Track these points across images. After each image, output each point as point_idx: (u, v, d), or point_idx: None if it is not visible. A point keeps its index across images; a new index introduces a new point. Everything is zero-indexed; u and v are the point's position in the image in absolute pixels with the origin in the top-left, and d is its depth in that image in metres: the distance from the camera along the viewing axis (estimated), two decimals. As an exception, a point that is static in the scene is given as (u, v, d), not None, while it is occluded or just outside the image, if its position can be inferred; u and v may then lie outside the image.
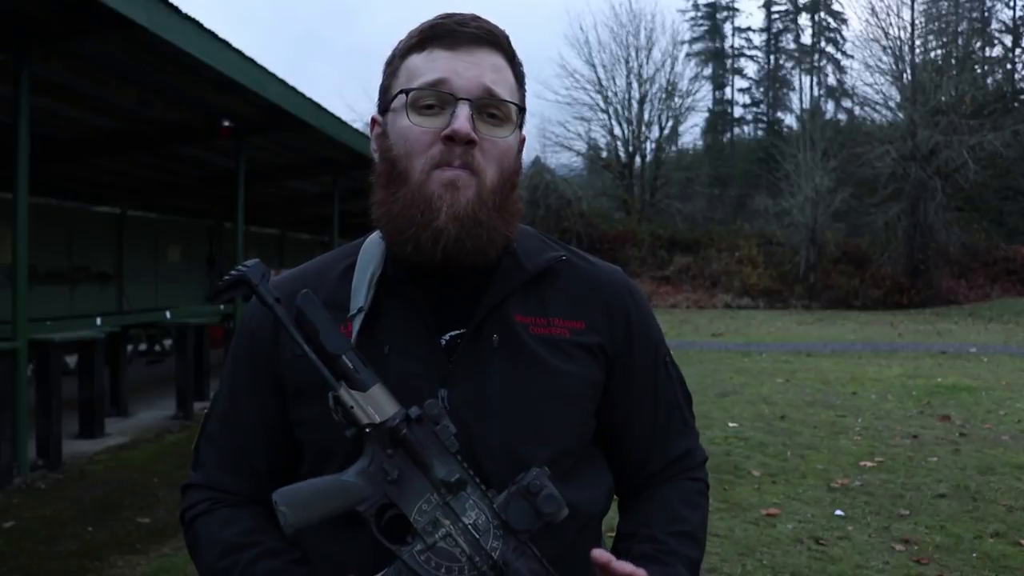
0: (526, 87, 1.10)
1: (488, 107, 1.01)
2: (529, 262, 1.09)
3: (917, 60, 31.97)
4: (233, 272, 0.99)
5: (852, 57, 42.27)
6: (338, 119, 9.69)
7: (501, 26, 1.08)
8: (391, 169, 1.03)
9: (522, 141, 1.11)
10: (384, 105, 1.07)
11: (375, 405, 0.94)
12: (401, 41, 1.07)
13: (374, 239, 1.11)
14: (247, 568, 1.01)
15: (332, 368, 0.95)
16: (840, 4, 46.30)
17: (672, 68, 37.39)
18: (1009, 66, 36.99)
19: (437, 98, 1.00)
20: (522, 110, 1.07)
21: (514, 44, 1.07)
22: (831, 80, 44.24)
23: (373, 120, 1.10)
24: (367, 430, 0.93)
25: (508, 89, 1.04)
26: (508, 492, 0.92)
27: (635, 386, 1.14)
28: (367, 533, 0.94)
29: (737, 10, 50.41)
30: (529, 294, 1.08)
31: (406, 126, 1.01)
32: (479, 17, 1.05)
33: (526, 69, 1.10)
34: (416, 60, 1.03)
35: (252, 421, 1.10)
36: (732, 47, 49.81)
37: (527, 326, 1.06)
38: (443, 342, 1.04)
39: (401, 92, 1.02)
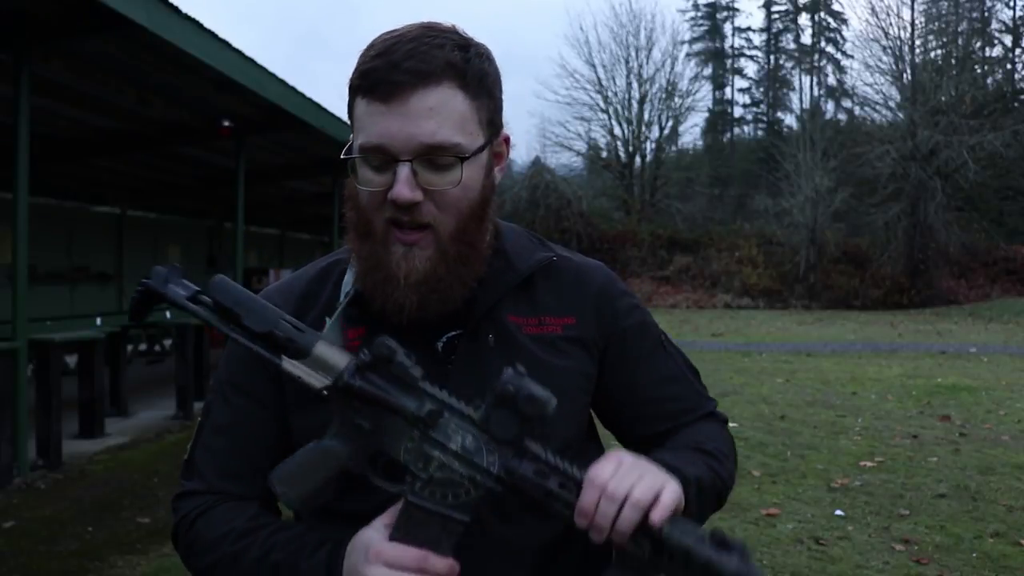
0: (494, 89, 1.05)
1: (431, 158, 0.98)
2: (520, 263, 1.10)
3: (917, 60, 31.98)
4: (138, 289, 0.96)
5: (852, 57, 42.28)
6: (338, 119, 9.68)
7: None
8: (358, 220, 1.04)
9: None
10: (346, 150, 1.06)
11: (322, 366, 0.92)
12: (353, 68, 1.03)
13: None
14: (265, 542, 0.99)
15: (268, 344, 0.93)
16: (840, 4, 46.32)
17: (672, 68, 37.32)
18: (1009, 66, 37.01)
19: (379, 159, 0.99)
20: (482, 132, 1.02)
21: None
22: (831, 80, 44.26)
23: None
24: (324, 393, 0.92)
25: (455, 126, 0.99)
26: (486, 404, 0.90)
27: (640, 371, 1.15)
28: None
29: (737, 10, 50.36)
30: (520, 295, 1.10)
31: (360, 183, 1.02)
32: (416, 46, 0.98)
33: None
34: (360, 107, 1.00)
35: (251, 425, 1.09)
36: (732, 47, 49.83)
37: (520, 327, 1.08)
38: (440, 344, 1.07)
39: (348, 157, 1.02)
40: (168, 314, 9.81)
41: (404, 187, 0.97)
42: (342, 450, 0.92)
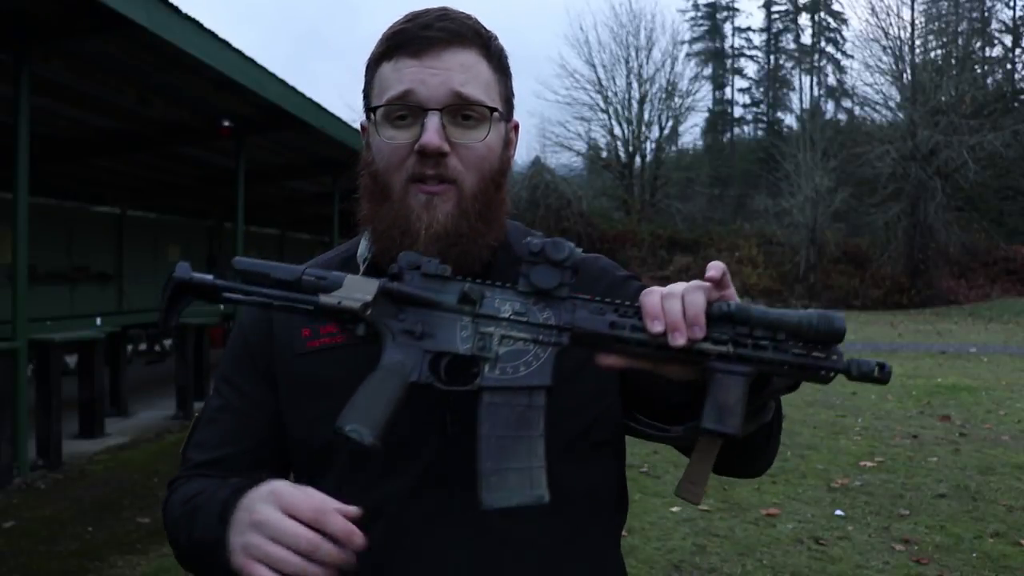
0: (510, 72, 1.08)
1: (460, 111, 0.99)
2: (514, 249, 1.10)
3: (917, 60, 31.96)
4: (165, 288, 0.93)
5: (852, 57, 42.27)
6: (338, 119, 9.68)
7: (487, 20, 1.06)
8: (373, 183, 1.03)
9: (515, 128, 1.10)
10: (367, 113, 1.07)
11: (358, 289, 0.92)
12: (375, 45, 1.05)
13: (366, 239, 1.12)
14: (206, 490, 0.99)
15: (300, 290, 0.93)
16: (840, 4, 46.30)
17: (672, 68, 37.29)
18: (1009, 66, 36.99)
19: (407, 109, 0.99)
20: (501, 106, 1.04)
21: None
22: (831, 80, 44.24)
23: (362, 127, 1.10)
24: (367, 312, 0.90)
25: (481, 86, 1.01)
26: (521, 272, 0.91)
27: None
28: (405, 474, 0.95)
29: (737, 10, 50.37)
30: None
31: (380, 141, 1.01)
32: (446, 13, 1.02)
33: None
34: (385, 70, 1.01)
35: (240, 415, 1.08)
36: (732, 47, 49.80)
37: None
38: None
39: (373, 109, 1.02)
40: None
41: (434, 134, 0.96)
42: (402, 364, 0.89)
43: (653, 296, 0.88)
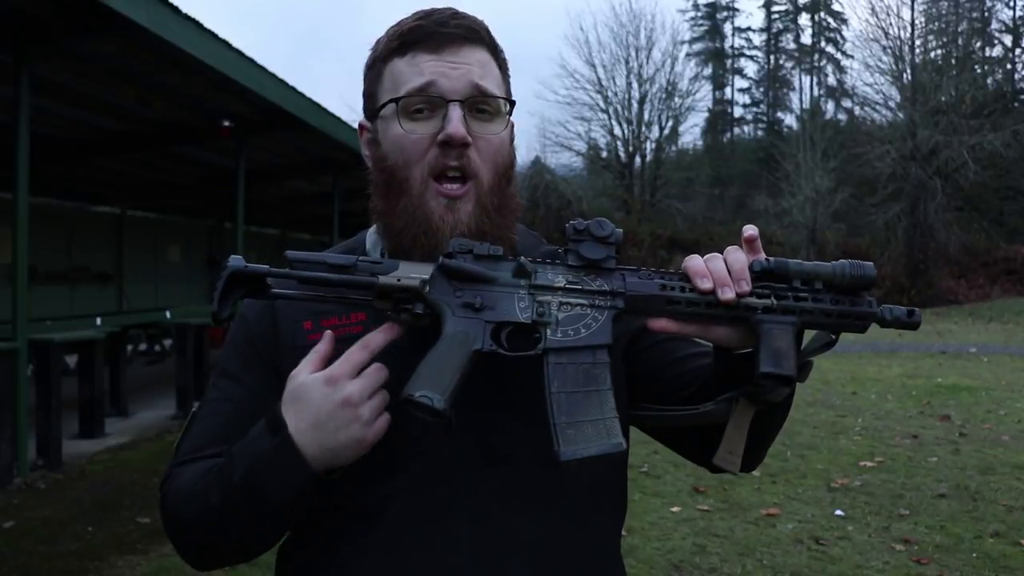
0: (510, 74, 1.10)
1: (479, 104, 1.01)
2: (529, 254, 1.10)
3: (917, 60, 31.95)
4: (222, 275, 0.94)
5: (852, 57, 42.13)
6: (338, 119, 9.68)
7: (487, 20, 1.07)
8: (389, 179, 1.02)
9: (512, 126, 1.11)
10: (372, 112, 1.06)
11: (414, 270, 0.94)
12: (380, 43, 1.05)
13: (373, 235, 1.11)
14: (237, 443, 0.97)
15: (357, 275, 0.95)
16: (840, 4, 46.20)
17: (672, 68, 37.22)
18: (1009, 66, 36.96)
19: (427, 102, 0.99)
20: (512, 102, 1.06)
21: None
22: (831, 80, 44.20)
23: (361, 127, 1.09)
24: (427, 289, 0.93)
25: (495, 83, 1.04)
26: (567, 249, 0.96)
27: (668, 342, 1.14)
28: (408, 470, 0.96)
29: (737, 10, 50.10)
30: None
31: (399, 134, 1.00)
32: (458, 12, 1.04)
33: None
34: (399, 65, 1.02)
35: (237, 403, 1.06)
36: (732, 47, 49.75)
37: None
38: None
39: (391, 101, 1.01)
40: (168, 314, 9.82)
41: (459, 124, 0.98)
42: (465, 334, 0.92)
43: (696, 260, 0.95)
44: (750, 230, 0.96)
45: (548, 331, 0.92)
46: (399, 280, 0.93)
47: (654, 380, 1.12)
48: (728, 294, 0.91)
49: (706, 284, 0.92)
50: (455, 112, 0.98)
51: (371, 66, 1.06)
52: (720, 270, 0.93)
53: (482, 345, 0.91)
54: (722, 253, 0.95)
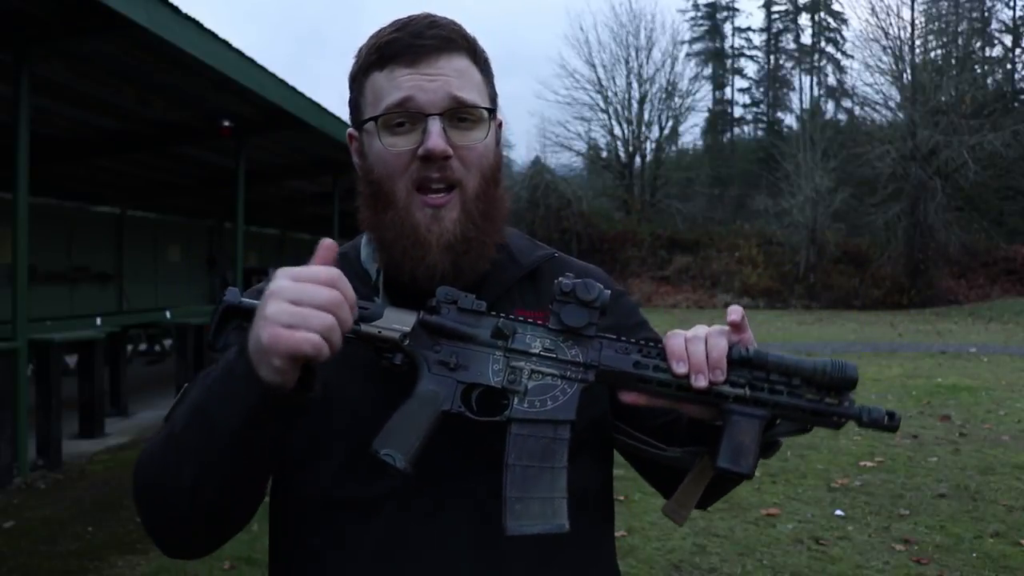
0: (492, 72, 1.09)
1: (459, 114, 1.01)
2: (523, 258, 1.12)
3: (917, 60, 31.97)
4: (218, 308, 0.93)
5: (852, 57, 42.19)
6: (338, 119, 9.69)
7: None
8: (376, 191, 1.03)
9: (500, 125, 1.12)
10: (356, 123, 1.07)
11: (396, 321, 0.95)
12: (361, 54, 1.05)
13: (367, 245, 1.11)
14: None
15: None
16: (840, 4, 46.29)
17: (672, 68, 37.31)
18: (1009, 66, 36.98)
19: (407, 117, 1.00)
20: (493, 107, 1.06)
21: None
22: (831, 80, 44.24)
23: (351, 136, 1.10)
24: (405, 342, 0.94)
25: (475, 89, 1.03)
26: (551, 308, 0.96)
27: None
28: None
29: (737, 10, 50.27)
30: (525, 289, 1.11)
31: (381, 149, 1.01)
32: (435, 21, 1.04)
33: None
34: (379, 79, 1.02)
35: None
36: (732, 47, 49.78)
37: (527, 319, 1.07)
38: None
39: (371, 119, 1.02)
40: (168, 314, 9.82)
41: (438, 138, 0.98)
42: (436, 393, 0.93)
43: (678, 339, 0.94)
44: (735, 314, 0.94)
45: (516, 399, 0.93)
46: (380, 332, 0.94)
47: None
48: (701, 382, 0.91)
49: (681, 369, 0.92)
50: (434, 126, 0.98)
51: (354, 78, 1.07)
52: (698, 354, 0.92)
53: (451, 407, 0.92)
54: (708, 328, 0.95)
